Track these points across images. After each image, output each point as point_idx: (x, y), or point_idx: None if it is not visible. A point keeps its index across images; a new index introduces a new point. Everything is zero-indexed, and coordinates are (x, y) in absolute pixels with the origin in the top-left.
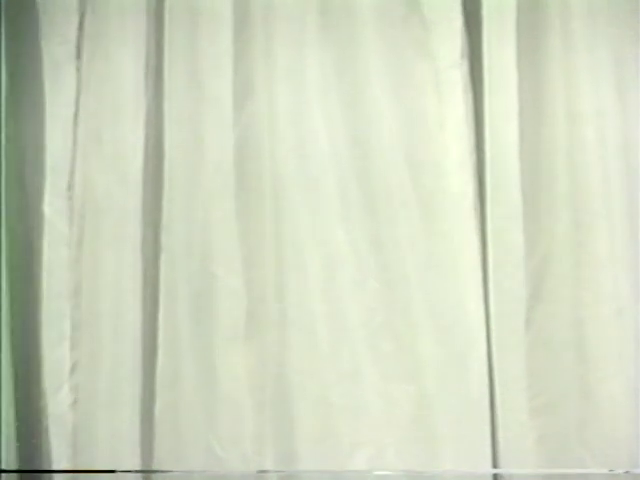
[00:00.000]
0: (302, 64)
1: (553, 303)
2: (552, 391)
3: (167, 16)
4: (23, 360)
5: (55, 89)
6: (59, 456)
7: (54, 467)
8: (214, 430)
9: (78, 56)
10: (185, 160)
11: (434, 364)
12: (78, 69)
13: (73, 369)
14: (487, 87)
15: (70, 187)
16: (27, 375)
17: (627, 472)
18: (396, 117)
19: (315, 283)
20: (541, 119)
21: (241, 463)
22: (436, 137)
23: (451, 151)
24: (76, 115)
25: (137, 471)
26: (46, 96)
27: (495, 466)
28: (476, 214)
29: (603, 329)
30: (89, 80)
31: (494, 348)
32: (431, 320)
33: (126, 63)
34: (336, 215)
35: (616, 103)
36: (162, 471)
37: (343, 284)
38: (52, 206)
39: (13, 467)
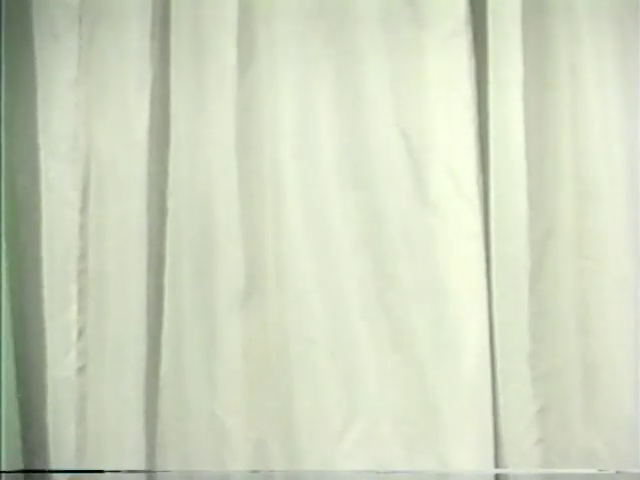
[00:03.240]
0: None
1: (556, 273)
2: (554, 360)
3: None
4: (27, 326)
5: (57, 55)
6: (65, 422)
7: (61, 434)
8: (217, 396)
9: (80, 21)
10: (191, 125)
11: (432, 334)
12: (80, 35)
13: (80, 334)
14: (491, 56)
15: (74, 151)
16: (31, 342)
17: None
18: (395, 89)
19: (312, 255)
20: (546, 87)
21: (242, 431)
22: (436, 102)
23: (454, 117)
24: (78, 80)
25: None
26: (48, 62)
27: (496, 436)
28: (478, 183)
29: (606, 298)
30: (92, 44)
31: (496, 317)
32: (430, 289)
33: (131, 26)
34: (333, 186)
35: (618, 75)
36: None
37: (339, 255)
38: (55, 170)
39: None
